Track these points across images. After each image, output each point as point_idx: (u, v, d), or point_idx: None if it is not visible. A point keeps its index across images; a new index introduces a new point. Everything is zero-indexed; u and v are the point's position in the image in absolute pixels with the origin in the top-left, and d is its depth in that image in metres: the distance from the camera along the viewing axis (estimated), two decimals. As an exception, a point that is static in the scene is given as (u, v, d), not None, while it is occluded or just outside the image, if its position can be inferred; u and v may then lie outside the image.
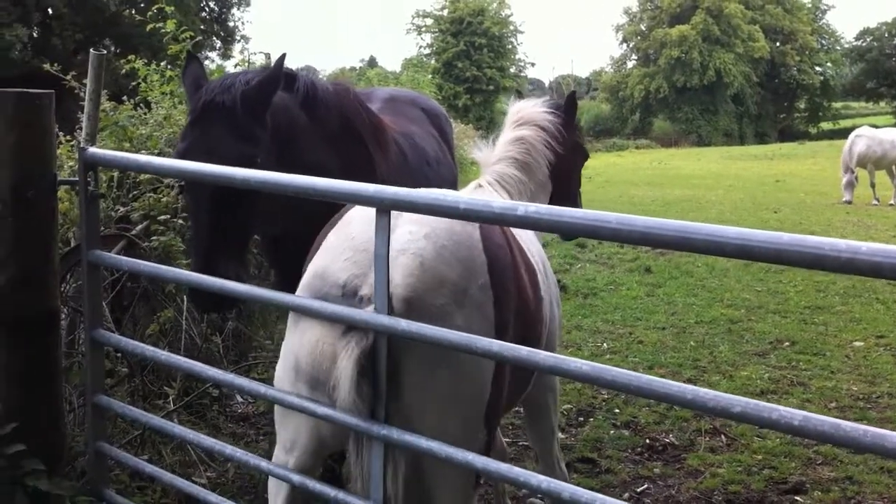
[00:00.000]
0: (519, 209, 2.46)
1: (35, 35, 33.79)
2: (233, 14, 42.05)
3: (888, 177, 21.41)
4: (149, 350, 3.80)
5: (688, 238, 2.14)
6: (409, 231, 2.79)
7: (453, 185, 5.95)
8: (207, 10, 40.47)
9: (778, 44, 77.58)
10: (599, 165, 44.17)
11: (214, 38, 40.06)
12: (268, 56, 11.23)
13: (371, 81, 32.93)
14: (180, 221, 5.19)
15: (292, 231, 4.24)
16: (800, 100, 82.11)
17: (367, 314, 2.69)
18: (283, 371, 3.05)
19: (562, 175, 4.83)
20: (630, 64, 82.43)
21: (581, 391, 7.34)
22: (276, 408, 3.17)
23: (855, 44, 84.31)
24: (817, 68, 79.45)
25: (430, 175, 5.47)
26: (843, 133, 23.58)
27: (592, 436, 6.42)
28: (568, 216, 2.37)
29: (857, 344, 8.74)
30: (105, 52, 6.07)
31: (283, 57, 4.17)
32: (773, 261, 2.03)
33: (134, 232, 5.03)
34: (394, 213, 2.86)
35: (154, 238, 5.00)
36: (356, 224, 2.99)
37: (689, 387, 2.17)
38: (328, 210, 3.31)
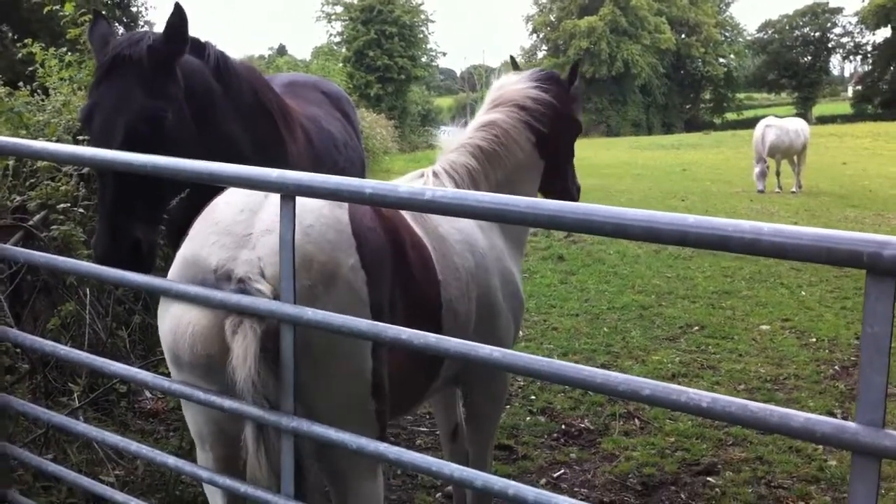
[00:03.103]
0: (426, 194, 2.39)
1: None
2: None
3: (790, 166, 21.97)
4: (48, 345, 3.62)
5: (592, 220, 2.10)
6: (275, 212, 2.70)
7: (362, 169, 5.85)
8: (110, -6, 39.41)
9: (683, 36, 79.43)
10: (511, 155, 44.38)
11: (117, 23, 38.97)
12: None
13: (281, 69, 32.44)
14: (80, 210, 4.98)
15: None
16: (705, 91, 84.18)
17: (273, 304, 2.59)
18: (168, 363, 2.95)
19: (557, 150, 4.66)
20: (540, 55, 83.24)
21: (496, 379, 7.33)
22: (182, 403, 3.06)
23: (757, 36, 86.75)
24: (721, 60, 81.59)
25: (339, 159, 5.38)
26: (747, 123, 24.19)
27: (509, 423, 6.41)
28: (473, 200, 2.30)
29: (764, 327, 8.94)
30: (-1, 35, 5.78)
31: (177, 7, 4.00)
32: (679, 242, 2.01)
33: (31, 222, 4.81)
34: (261, 194, 2.84)
35: (53, 227, 4.78)
36: (220, 208, 2.93)
37: (600, 371, 2.14)
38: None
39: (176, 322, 2.81)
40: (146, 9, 41.29)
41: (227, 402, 2.70)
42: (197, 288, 2.76)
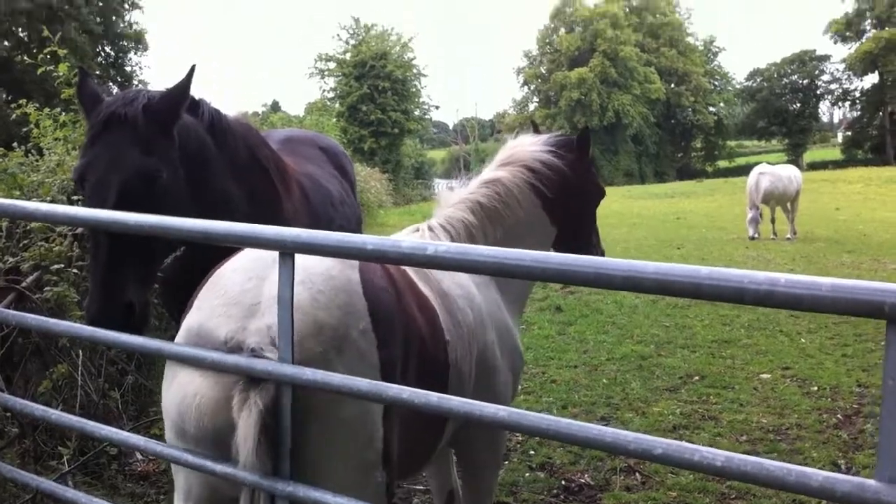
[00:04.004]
0: (428, 248, 2.34)
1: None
2: (129, 59, 41.38)
3: (783, 212, 22.01)
4: (39, 409, 3.55)
5: (603, 274, 2.05)
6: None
7: (358, 225, 5.82)
8: (103, 54, 39.72)
9: (673, 85, 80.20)
10: (505, 206, 44.46)
11: (111, 83, 39.31)
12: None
13: (275, 125, 32.57)
14: (74, 271, 4.92)
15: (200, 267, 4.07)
16: (696, 139, 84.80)
17: (271, 364, 2.54)
18: (168, 431, 2.87)
19: (572, 215, 4.60)
20: (532, 106, 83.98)
21: (495, 433, 7.24)
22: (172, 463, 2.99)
23: (746, 84, 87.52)
24: (711, 108, 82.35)
25: (335, 216, 5.35)
26: (739, 171, 24.31)
27: (508, 479, 6.30)
28: (476, 254, 2.26)
29: (764, 376, 8.86)
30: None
31: (192, 68, 4.01)
32: (692, 295, 1.96)
33: (24, 284, 4.75)
34: (268, 260, 2.78)
35: (46, 289, 4.71)
36: (226, 277, 2.87)
37: (610, 430, 2.08)
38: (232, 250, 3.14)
39: (182, 392, 2.74)
40: (140, 68, 41.78)
41: (220, 467, 2.64)
42: (193, 350, 2.70)
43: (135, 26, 40.29)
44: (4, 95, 33.34)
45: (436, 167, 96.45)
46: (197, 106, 4.25)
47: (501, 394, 3.97)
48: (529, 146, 4.54)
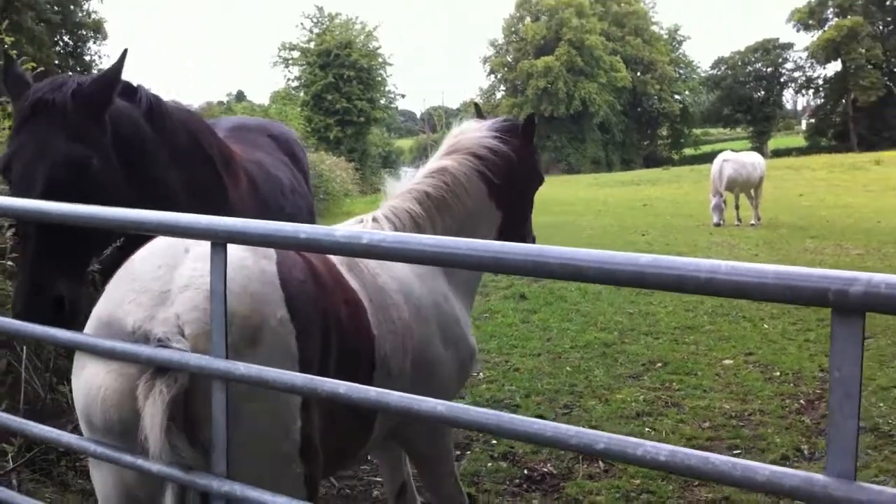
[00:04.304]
0: (364, 238, 2.23)
1: None
2: (88, 48, 40.72)
3: (747, 199, 22.11)
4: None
5: (543, 262, 1.96)
6: (194, 267, 2.57)
7: (310, 214, 5.69)
8: (62, 44, 39.09)
9: (639, 73, 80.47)
10: (472, 195, 44.36)
11: (70, 72, 38.78)
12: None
13: (238, 115, 32.28)
14: (9, 263, 4.75)
15: None
16: (662, 127, 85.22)
17: (205, 359, 2.42)
18: (80, 423, 2.75)
19: (516, 201, 4.55)
20: (499, 95, 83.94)
21: (457, 423, 7.15)
22: (90, 463, 2.87)
23: (711, 72, 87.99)
24: (676, 96, 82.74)
25: (285, 204, 5.22)
26: (705, 158, 24.39)
27: (470, 469, 6.22)
28: (415, 244, 2.15)
29: (727, 362, 8.83)
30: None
31: (125, 53, 3.87)
32: (635, 284, 1.87)
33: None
34: (180, 248, 2.71)
35: (-5, 282, 4.53)
36: (137, 264, 2.76)
37: (551, 424, 1.99)
38: None
39: (88, 385, 2.63)
40: (99, 57, 41.15)
41: (156, 466, 2.51)
42: (122, 344, 2.57)
43: (93, 15, 39.78)
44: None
45: (404, 156, 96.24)
46: (134, 92, 4.11)
47: (443, 387, 3.88)
48: (475, 132, 4.46)
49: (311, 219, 5.64)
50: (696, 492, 5.87)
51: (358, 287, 3.41)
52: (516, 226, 4.68)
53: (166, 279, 2.62)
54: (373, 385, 3.25)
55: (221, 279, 2.41)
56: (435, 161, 4.37)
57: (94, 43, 40.78)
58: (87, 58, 40.54)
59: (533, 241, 4.89)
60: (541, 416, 7.23)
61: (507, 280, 13.25)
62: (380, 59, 58.84)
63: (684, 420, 7.15)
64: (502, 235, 4.64)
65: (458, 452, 6.59)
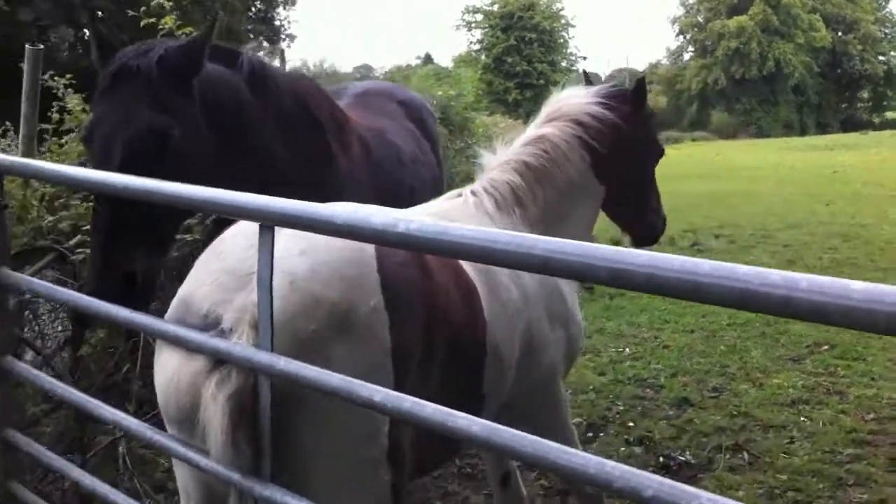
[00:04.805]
0: (399, 225, 1.95)
1: (85, 36, 33.80)
2: (278, 13, 41.67)
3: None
4: (48, 383, 3.35)
5: (591, 266, 1.64)
6: (283, 247, 2.31)
7: (436, 185, 5.43)
8: (254, 9, 40.22)
9: (840, 33, 75.75)
10: (653, 159, 43.16)
11: (261, 37, 39.88)
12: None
13: (421, 79, 32.60)
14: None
15: None
16: (863, 90, 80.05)
17: (241, 348, 2.23)
18: (163, 416, 2.61)
19: (624, 176, 4.18)
20: (686, 56, 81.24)
21: (594, 403, 6.80)
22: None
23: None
24: (881, 58, 77.40)
25: (405, 175, 4.97)
26: (909, 123, 22.38)
27: (601, 453, 5.85)
28: (451, 235, 1.85)
29: (903, 346, 8.02)
30: (41, 46, 5.59)
31: (214, 19, 3.72)
32: (690, 297, 1.53)
33: (66, 245, 4.54)
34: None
35: (79, 250, 4.49)
36: (228, 240, 2.58)
37: (594, 458, 1.67)
38: None
39: (163, 372, 2.50)
40: (288, 22, 42.09)
41: (204, 461, 2.35)
42: (182, 329, 2.42)
43: (284, -20, 40.83)
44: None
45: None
46: (235, 57, 3.95)
47: (551, 371, 3.62)
48: (577, 98, 4.08)
49: (435, 189, 5.35)
50: (850, 492, 5.35)
51: (469, 268, 3.13)
52: (632, 204, 4.33)
53: (253, 260, 2.37)
54: (484, 375, 3.08)
55: (268, 264, 2.19)
56: (534, 129, 4.02)
57: (284, 8, 41.93)
58: (277, 23, 41.68)
59: (663, 220, 4.56)
60: (685, 399, 6.81)
61: (669, 250, 12.64)
62: (562, 21, 58.04)
63: (846, 410, 6.53)
64: (618, 212, 4.36)
65: (589, 434, 6.26)
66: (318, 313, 2.32)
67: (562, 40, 58.22)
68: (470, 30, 60.02)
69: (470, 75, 37.22)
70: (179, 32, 7.64)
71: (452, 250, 1.90)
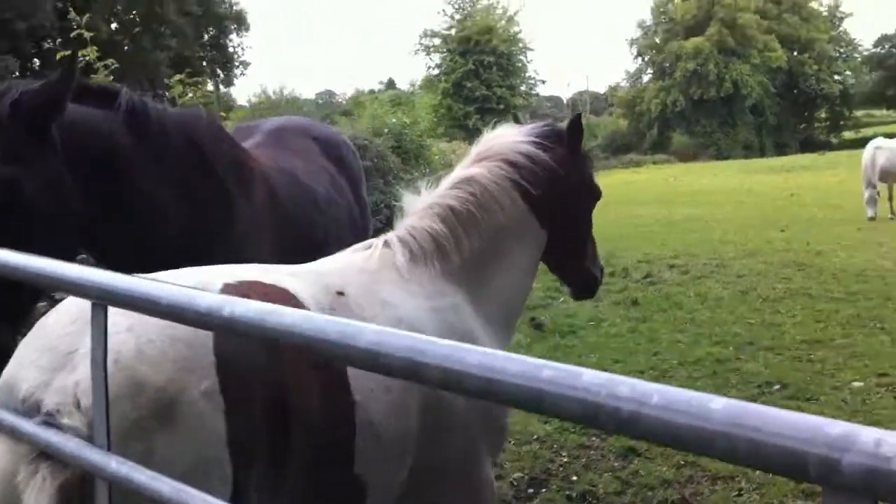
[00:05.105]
0: (225, 309, 1.70)
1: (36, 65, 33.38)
2: (230, 39, 41.39)
3: (903, 190, 20.39)
4: None
5: (423, 364, 1.41)
6: (112, 322, 2.02)
7: (354, 227, 5.11)
8: (207, 36, 39.92)
9: (795, 53, 76.63)
10: (612, 183, 43.16)
11: (214, 63, 39.62)
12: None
13: (383, 104, 32.37)
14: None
15: None
16: (820, 109, 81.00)
17: (71, 443, 1.95)
18: None
19: (562, 221, 3.88)
20: (646, 78, 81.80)
21: (537, 454, 6.51)
22: None
23: (874, 51, 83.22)
24: (836, 77, 78.35)
25: (319, 218, 4.66)
26: (865, 142, 22.38)
27: (542, 511, 5.58)
28: (278, 321, 1.59)
29: (856, 384, 7.80)
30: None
31: (74, 55, 3.42)
32: (535, 410, 1.33)
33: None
34: None
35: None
36: (52, 316, 2.32)
37: None
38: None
39: None
40: (242, 49, 41.85)
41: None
42: (7, 414, 2.12)
43: (235, 7, 40.45)
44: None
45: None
46: (113, 97, 3.64)
47: (464, 453, 3.24)
48: (509, 137, 3.76)
49: (354, 231, 5.04)
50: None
51: None
52: (570, 252, 4.04)
53: (76, 337, 2.15)
54: (355, 460, 2.72)
55: (101, 344, 1.92)
56: (461, 169, 3.70)
57: (238, 35, 41.61)
58: (230, 49, 41.37)
59: (601, 270, 4.30)
60: (631, 448, 6.57)
61: (621, 282, 12.49)
62: (520, 45, 58.18)
63: (796, 457, 6.27)
64: (554, 262, 4.07)
65: (530, 490, 5.98)
66: (142, 399, 2.07)
67: (520, 64, 58.34)
68: (428, 54, 60.03)
69: (427, 101, 37.17)
70: (100, 64, 7.35)
71: (276, 338, 1.66)
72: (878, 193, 19.89)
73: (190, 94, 9.39)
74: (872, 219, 19.49)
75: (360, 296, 3.01)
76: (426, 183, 3.69)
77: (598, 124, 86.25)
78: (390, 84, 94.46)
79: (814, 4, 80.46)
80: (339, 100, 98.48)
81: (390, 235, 3.46)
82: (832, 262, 13.94)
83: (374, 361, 1.46)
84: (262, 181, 4.29)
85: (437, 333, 3.13)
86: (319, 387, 2.61)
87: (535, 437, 6.85)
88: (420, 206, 3.57)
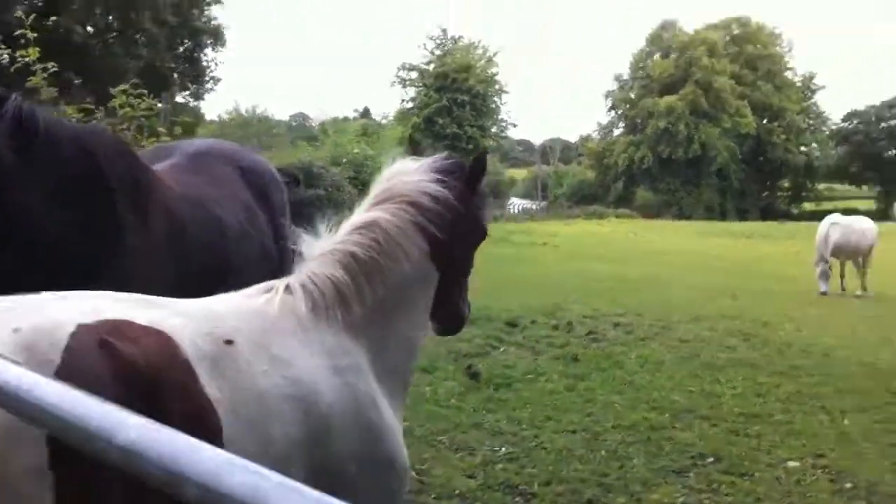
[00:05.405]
0: None
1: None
2: (205, 54, 40.88)
3: (854, 266, 20.47)
4: None
5: None
6: None
7: (268, 262, 4.84)
8: (181, 48, 39.47)
9: (765, 121, 77.90)
10: (573, 234, 43.41)
11: (184, 77, 39.13)
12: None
13: (346, 133, 32.20)
14: None
15: None
16: (783, 178, 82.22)
17: None
18: None
19: (455, 262, 3.64)
20: (617, 131, 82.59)
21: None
22: None
23: (841, 125, 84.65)
24: (802, 148, 79.72)
25: (228, 251, 4.38)
26: (825, 214, 22.55)
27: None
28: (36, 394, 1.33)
29: (792, 464, 7.59)
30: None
31: None
32: None
33: None
34: None
35: None
36: None
37: None
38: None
39: None
40: (215, 64, 41.42)
41: None
42: None
43: (213, 22, 39.93)
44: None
45: (516, 186, 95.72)
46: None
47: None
48: (413, 175, 3.49)
49: (266, 266, 4.74)
50: None
51: (218, 395, 2.51)
52: (453, 291, 3.75)
53: None
54: None
55: None
56: (363, 213, 3.44)
57: (213, 49, 41.09)
58: (204, 63, 40.86)
59: (467, 307, 3.99)
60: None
61: (563, 338, 12.27)
62: (496, 86, 58.39)
63: (723, 539, 6.04)
64: (437, 304, 3.76)
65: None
66: None
67: (494, 105, 58.52)
68: (404, 87, 60.05)
69: (397, 133, 37.05)
70: (39, 66, 7.05)
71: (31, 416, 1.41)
72: (830, 269, 19.96)
73: (128, 109, 9.09)
74: (825, 293, 19.53)
75: (250, 348, 2.74)
76: (326, 226, 3.43)
77: (566, 173, 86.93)
78: (365, 113, 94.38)
79: (788, 74, 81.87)
80: (312, 124, 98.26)
81: (292, 280, 3.19)
82: (778, 334, 13.84)
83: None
84: (163, 206, 4.00)
85: (339, 395, 2.91)
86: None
87: (456, 492, 6.58)
88: (320, 251, 3.31)
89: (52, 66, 7.18)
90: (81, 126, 3.81)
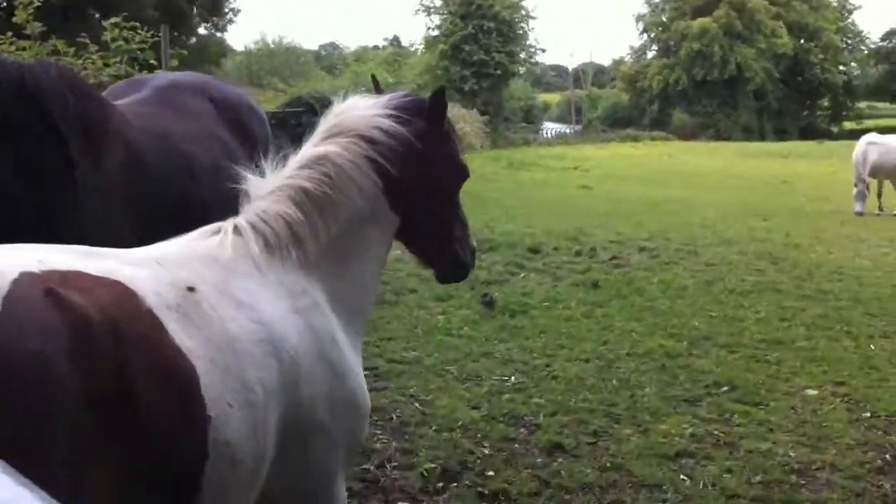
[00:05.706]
0: None
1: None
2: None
3: (893, 186, 19.91)
4: None
5: None
6: None
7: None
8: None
9: (802, 41, 75.99)
10: (606, 157, 42.83)
11: (202, 8, 38.63)
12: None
13: (366, 62, 31.74)
14: None
15: None
16: (822, 98, 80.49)
17: None
18: None
19: (421, 203, 3.44)
20: (650, 54, 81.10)
21: (457, 444, 6.04)
22: None
23: (881, 44, 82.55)
24: (841, 67, 77.80)
25: (195, 188, 4.12)
26: (866, 133, 21.90)
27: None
28: None
29: (810, 392, 7.31)
30: None
31: None
32: None
33: None
34: None
35: None
36: None
37: None
38: None
39: None
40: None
41: None
42: None
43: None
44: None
45: (550, 111, 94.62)
46: None
47: (321, 462, 2.86)
48: (364, 110, 3.26)
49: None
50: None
51: (190, 344, 2.38)
52: (431, 234, 3.55)
53: None
54: (203, 480, 2.34)
55: None
56: (311, 147, 3.21)
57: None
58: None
59: (473, 252, 3.78)
60: (559, 444, 6.07)
61: (585, 263, 12.01)
62: (522, 12, 57.34)
63: (733, 469, 5.78)
64: (419, 245, 3.62)
65: (440, 484, 5.52)
66: None
67: (521, 31, 57.54)
68: (429, 15, 59.09)
69: (423, 61, 36.49)
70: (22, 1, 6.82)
71: None
72: (868, 189, 19.44)
73: (122, 42, 8.85)
74: (860, 214, 19.07)
75: (213, 294, 2.60)
76: (272, 163, 3.19)
77: (599, 96, 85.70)
78: (395, 41, 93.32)
79: (824, -7, 79.71)
80: (344, 53, 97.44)
81: (240, 220, 2.98)
82: (809, 256, 13.48)
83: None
84: (125, 144, 3.75)
85: (302, 337, 2.80)
86: (161, 401, 2.24)
87: (459, 423, 6.40)
88: (269, 188, 3.09)
89: (37, 1, 6.95)
90: (27, 62, 3.54)
